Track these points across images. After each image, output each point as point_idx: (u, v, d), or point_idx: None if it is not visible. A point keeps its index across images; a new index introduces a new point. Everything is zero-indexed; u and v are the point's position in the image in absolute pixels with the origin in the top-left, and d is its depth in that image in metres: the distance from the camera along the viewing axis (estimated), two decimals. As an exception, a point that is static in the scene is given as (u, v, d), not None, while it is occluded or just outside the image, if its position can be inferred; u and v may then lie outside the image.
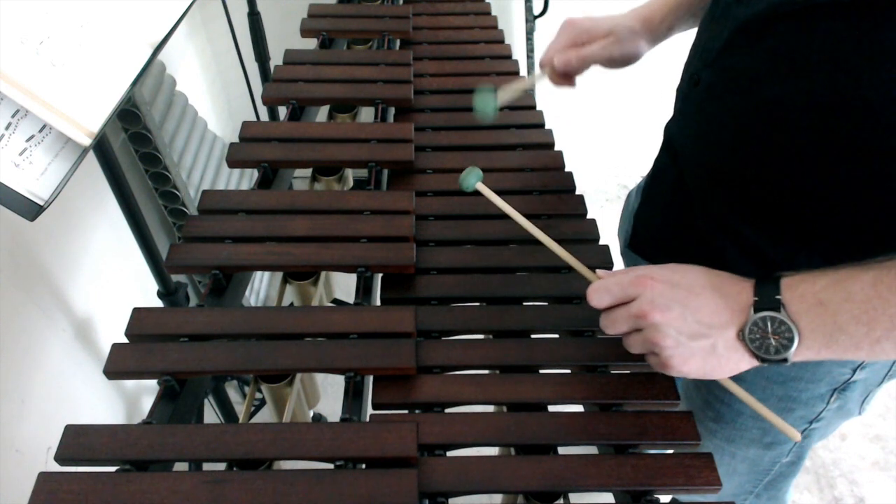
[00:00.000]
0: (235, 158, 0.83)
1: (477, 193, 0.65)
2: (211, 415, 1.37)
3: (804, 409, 0.73)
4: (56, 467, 0.52)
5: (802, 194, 0.58)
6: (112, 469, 0.52)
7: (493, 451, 0.61)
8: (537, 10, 1.85)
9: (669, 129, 0.74)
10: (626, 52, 0.78)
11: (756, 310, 0.50)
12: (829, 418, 0.75)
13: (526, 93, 0.83)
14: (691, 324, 0.51)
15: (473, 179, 0.64)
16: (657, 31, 0.79)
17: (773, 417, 0.55)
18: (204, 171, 1.56)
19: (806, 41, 0.51)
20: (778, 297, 0.49)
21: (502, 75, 1.04)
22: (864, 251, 0.58)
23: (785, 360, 0.49)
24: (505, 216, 0.69)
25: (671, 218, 0.75)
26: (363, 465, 0.54)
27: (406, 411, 0.59)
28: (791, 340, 0.48)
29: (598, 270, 0.59)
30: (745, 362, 0.51)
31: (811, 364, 0.68)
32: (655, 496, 0.54)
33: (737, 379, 0.75)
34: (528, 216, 0.79)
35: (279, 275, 0.75)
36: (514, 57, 1.09)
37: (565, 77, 0.80)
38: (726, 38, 0.59)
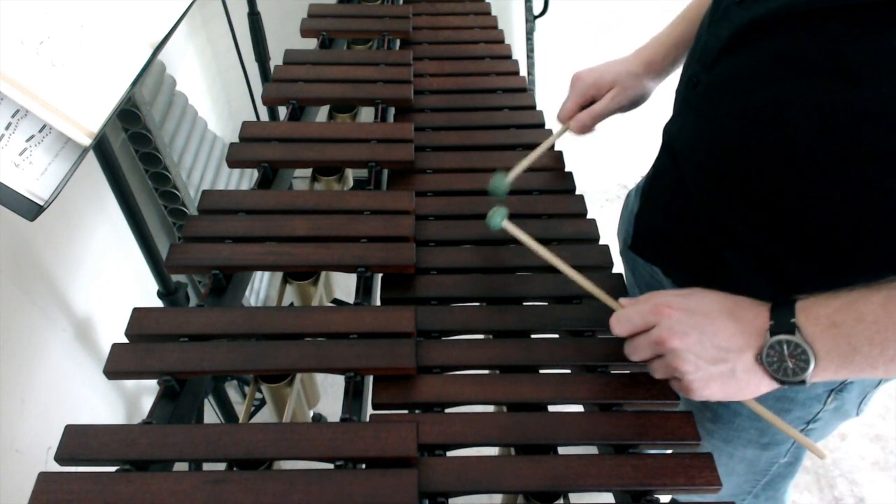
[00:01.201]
0: (235, 158, 0.83)
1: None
2: (211, 415, 1.37)
3: (801, 409, 0.73)
4: (56, 467, 0.52)
5: (801, 196, 0.58)
6: (112, 469, 0.52)
7: (493, 451, 0.61)
8: (537, 10, 1.85)
9: (669, 131, 0.74)
10: (633, 98, 0.84)
11: (772, 333, 0.51)
12: (827, 419, 0.75)
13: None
14: (709, 349, 0.53)
15: (499, 218, 0.68)
16: (660, 69, 0.83)
17: (801, 437, 0.57)
18: (204, 171, 1.56)
19: (806, 44, 0.51)
20: (793, 320, 0.51)
21: (502, 75, 1.04)
22: (862, 252, 0.58)
23: (803, 381, 0.51)
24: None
25: (671, 219, 0.75)
26: (363, 465, 0.54)
27: (406, 411, 0.59)
28: (807, 363, 0.50)
29: (620, 299, 0.61)
30: (766, 385, 0.53)
31: None
32: (655, 496, 0.54)
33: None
34: (527, 216, 0.79)
35: (279, 275, 0.75)
36: (514, 57, 1.09)
37: (582, 132, 0.86)
38: (726, 40, 0.59)
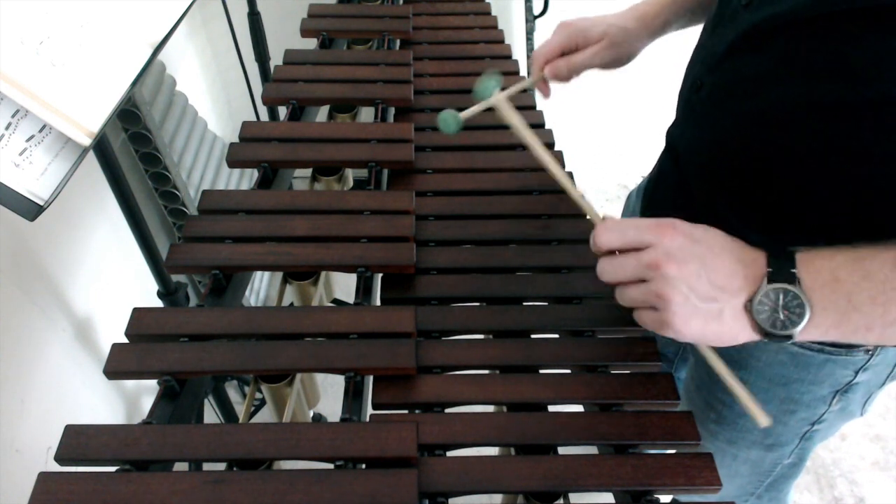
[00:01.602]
0: (235, 158, 0.83)
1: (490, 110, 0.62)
2: (211, 415, 1.37)
3: (806, 410, 0.73)
4: (56, 467, 0.52)
5: (806, 198, 0.58)
6: (112, 469, 0.52)
7: (493, 451, 0.61)
8: (537, 10, 1.85)
9: (671, 134, 0.74)
10: (620, 54, 0.78)
11: (769, 280, 0.48)
12: (831, 420, 0.75)
13: (523, 92, 0.82)
14: (704, 283, 0.48)
15: (493, 84, 0.59)
16: (652, 27, 0.78)
17: (746, 399, 0.53)
18: (204, 171, 1.56)
19: (811, 47, 0.51)
20: (793, 270, 0.47)
21: (502, 75, 1.03)
22: None
23: (790, 336, 0.47)
24: (506, 217, 0.69)
25: None
26: (363, 465, 0.54)
27: (406, 411, 0.59)
28: (801, 316, 0.47)
29: (605, 216, 0.55)
30: (746, 334, 0.49)
31: (813, 366, 0.68)
32: (655, 496, 0.54)
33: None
34: (528, 216, 0.79)
35: (279, 275, 0.75)
36: (514, 57, 1.09)
37: (546, 83, 0.80)
38: (730, 42, 0.59)
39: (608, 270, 0.52)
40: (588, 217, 0.57)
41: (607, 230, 0.52)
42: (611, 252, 0.53)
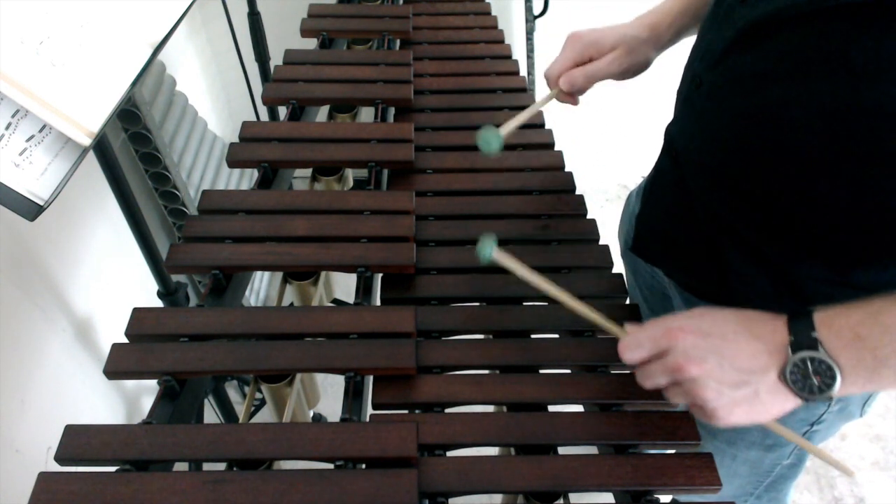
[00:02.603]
0: (235, 158, 0.83)
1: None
2: (211, 415, 1.37)
3: (805, 411, 0.73)
4: (56, 467, 0.52)
5: (805, 196, 0.58)
6: (112, 469, 0.52)
7: (493, 451, 0.61)
8: (537, 10, 1.85)
9: (670, 132, 0.74)
10: (634, 64, 0.77)
11: (794, 349, 0.48)
12: (831, 420, 0.75)
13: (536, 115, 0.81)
14: (730, 372, 0.49)
15: (489, 250, 0.60)
16: (664, 36, 0.77)
17: (827, 456, 0.54)
18: (204, 171, 1.56)
19: (811, 44, 0.51)
20: (814, 334, 0.48)
21: (502, 75, 1.04)
22: (866, 252, 0.58)
23: (829, 398, 0.48)
24: (506, 216, 0.68)
25: (672, 220, 0.75)
26: (363, 465, 0.54)
27: (406, 411, 0.59)
28: (833, 378, 0.47)
29: (626, 325, 0.57)
30: (791, 403, 0.50)
31: None
32: (655, 496, 0.54)
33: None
34: (527, 216, 0.79)
35: (279, 275, 0.75)
36: (514, 57, 1.09)
37: (569, 94, 0.78)
38: (730, 39, 0.59)
39: (644, 380, 0.54)
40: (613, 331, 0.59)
41: (627, 348, 0.54)
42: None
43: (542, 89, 1.95)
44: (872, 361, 0.47)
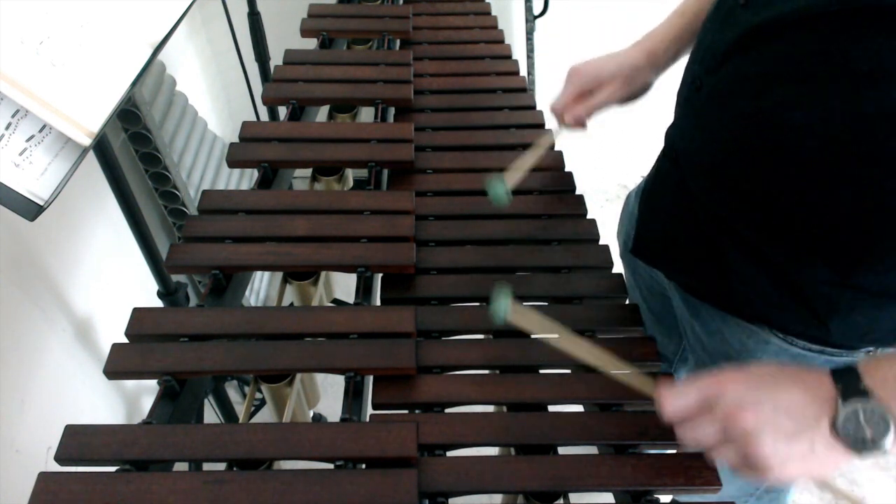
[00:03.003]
0: (235, 158, 0.83)
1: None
2: (211, 415, 1.37)
3: None
4: (56, 467, 0.52)
5: (806, 198, 0.58)
6: (112, 469, 0.52)
7: (493, 451, 0.61)
8: (537, 10, 1.85)
9: (670, 134, 0.74)
10: (633, 91, 0.80)
11: (844, 399, 0.46)
12: None
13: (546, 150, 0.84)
14: (785, 422, 0.47)
15: (503, 310, 0.55)
16: (662, 60, 0.79)
17: (846, 492, 0.53)
18: (204, 171, 1.56)
19: (812, 47, 0.51)
20: (861, 384, 0.46)
21: (502, 75, 1.04)
22: (867, 254, 0.58)
23: (882, 449, 0.46)
24: (506, 216, 0.69)
25: (673, 222, 0.75)
26: (363, 465, 0.54)
27: (406, 411, 0.59)
28: (887, 428, 0.45)
29: (660, 379, 0.55)
30: (842, 458, 0.47)
31: (814, 367, 0.68)
32: (655, 496, 0.54)
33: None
34: (527, 216, 0.79)
35: (279, 275, 0.75)
36: (514, 57, 1.09)
37: (576, 124, 0.82)
38: (731, 42, 0.59)
39: (690, 439, 0.51)
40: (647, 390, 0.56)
41: (672, 400, 0.51)
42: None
43: (542, 89, 1.96)
44: None
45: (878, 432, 0.45)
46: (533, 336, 0.57)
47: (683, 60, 0.74)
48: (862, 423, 0.45)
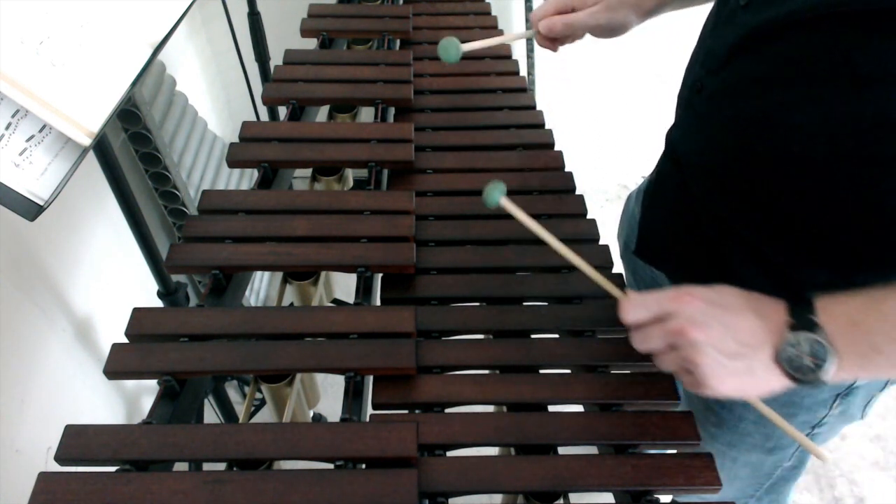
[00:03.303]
0: (235, 158, 0.83)
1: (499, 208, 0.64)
2: (211, 415, 1.37)
3: (807, 414, 0.73)
4: (56, 467, 0.52)
5: (808, 201, 0.58)
6: (112, 469, 0.52)
7: (493, 451, 0.61)
8: (537, 10, 1.85)
9: (671, 136, 0.74)
10: (612, 21, 0.78)
11: (791, 330, 0.49)
12: (832, 423, 0.75)
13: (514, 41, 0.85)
14: (730, 343, 0.50)
15: (497, 195, 0.62)
16: (647, 4, 0.78)
17: (806, 441, 0.55)
18: (204, 171, 1.56)
19: (813, 49, 0.51)
20: (813, 317, 0.49)
21: (502, 75, 1.04)
22: (869, 256, 0.58)
23: (819, 381, 0.49)
24: (506, 216, 0.68)
25: (676, 223, 0.75)
26: (363, 465, 0.54)
27: (406, 411, 0.59)
28: (827, 361, 0.48)
29: (627, 290, 0.58)
30: (780, 383, 0.51)
31: None
32: (655, 496, 0.54)
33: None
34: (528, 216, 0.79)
35: (279, 275, 0.75)
36: (514, 57, 1.09)
37: (550, 40, 0.81)
38: (732, 44, 0.59)
39: (639, 342, 0.54)
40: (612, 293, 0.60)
41: (631, 306, 0.54)
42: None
43: (542, 90, 1.95)
44: (866, 347, 0.48)
45: (817, 364, 0.48)
46: (520, 220, 0.62)
47: (678, 60, 0.74)
48: (804, 352, 0.49)
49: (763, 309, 0.52)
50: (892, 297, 0.48)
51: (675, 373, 0.54)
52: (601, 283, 0.60)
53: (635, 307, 0.54)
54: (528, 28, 0.84)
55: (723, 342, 0.50)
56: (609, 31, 0.79)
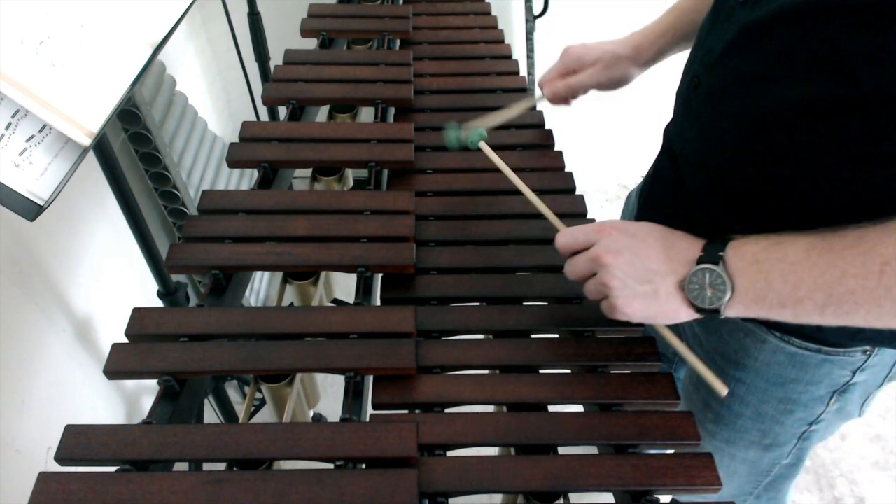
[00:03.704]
0: (235, 158, 0.83)
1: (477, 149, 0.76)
2: (211, 415, 1.37)
3: (804, 411, 0.73)
4: (56, 467, 0.52)
5: (803, 197, 0.58)
6: (112, 469, 0.52)
7: (493, 451, 0.61)
8: (537, 10, 1.85)
9: (669, 132, 0.74)
10: (612, 78, 0.85)
11: (699, 262, 0.55)
12: (829, 420, 0.75)
13: (529, 109, 0.92)
14: (638, 269, 0.56)
15: (476, 137, 0.74)
16: (645, 56, 0.85)
17: (704, 370, 0.59)
18: (204, 171, 1.56)
19: (808, 45, 0.51)
20: (720, 253, 0.54)
21: (502, 75, 1.04)
22: None
23: (717, 310, 0.54)
24: (506, 216, 0.69)
25: (671, 220, 0.75)
26: (363, 465, 0.54)
27: (406, 411, 0.59)
28: (724, 293, 0.53)
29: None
30: (684, 311, 0.56)
31: (811, 366, 0.68)
32: (655, 496, 0.54)
33: (737, 381, 0.75)
34: (527, 216, 0.79)
35: (279, 275, 0.75)
36: (514, 57, 1.09)
37: (559, 100, 0.90)
38: (729, 40, 0.59)
39: (570, 270, 0.61)
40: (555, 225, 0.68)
41: (562, 236, 0.62)
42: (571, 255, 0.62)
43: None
44: (763, 284, 0.52)
45: (716, 296, 0.53)
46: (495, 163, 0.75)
47: (678, 60, 0.74)
48: (706, 283, 0.54)
49: (677, 242, 0.58)
50: (796, 240, 0.52)
51: (595, 297, 0.59)
52: (550, 218, 0.69)
53: (566, 236, 0.61)
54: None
55: (631, 267, 0.56)
56: (611, 86, 0.87)
